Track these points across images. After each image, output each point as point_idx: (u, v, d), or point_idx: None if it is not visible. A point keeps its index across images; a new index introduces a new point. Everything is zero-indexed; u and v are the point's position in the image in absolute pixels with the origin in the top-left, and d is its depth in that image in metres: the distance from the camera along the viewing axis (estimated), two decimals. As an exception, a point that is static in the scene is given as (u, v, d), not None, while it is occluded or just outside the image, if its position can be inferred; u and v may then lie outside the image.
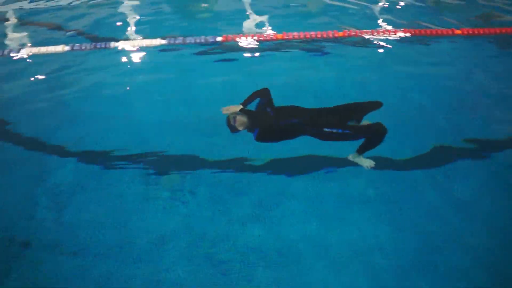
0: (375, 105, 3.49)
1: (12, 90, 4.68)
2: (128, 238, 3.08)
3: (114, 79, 4.85)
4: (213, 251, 2.99)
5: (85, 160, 3.70)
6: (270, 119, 3.42)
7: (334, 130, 3.26)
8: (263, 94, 3.63)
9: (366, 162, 3.45)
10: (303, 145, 3.62)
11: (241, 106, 3.59)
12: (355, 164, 3.47)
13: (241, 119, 3.36)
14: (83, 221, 3.18)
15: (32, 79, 4.88)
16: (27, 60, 5.32)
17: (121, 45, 5.53)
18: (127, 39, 5.69)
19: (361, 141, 3.39)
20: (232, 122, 3.37)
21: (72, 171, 3.58)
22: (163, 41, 5.55)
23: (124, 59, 5.32)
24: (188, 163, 3.70)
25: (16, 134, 4.00)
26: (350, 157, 3.48)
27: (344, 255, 2.95)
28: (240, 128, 3.39)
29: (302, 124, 3.36)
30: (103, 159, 3.72)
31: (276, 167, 3.64)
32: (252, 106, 3.67)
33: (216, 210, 3.28)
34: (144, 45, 5.52)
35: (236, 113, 3.41)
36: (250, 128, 3.42)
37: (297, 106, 3.53)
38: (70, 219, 3.18)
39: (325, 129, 3.28)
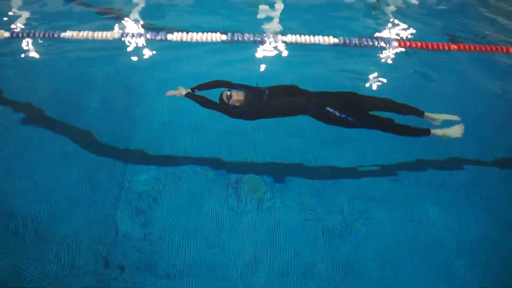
0: (390, 106, 3.36)
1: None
2: (219, 255, 3.01)
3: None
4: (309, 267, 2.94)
5: (166, 167, 3.57)
6: (262, 96, 3.29)
7: (337, 113, 3.18)
8: (226, 84, 3.48)
9: (455, 132, 3.26)
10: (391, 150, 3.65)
11: (188, 90, 3.45)
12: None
13: (237, 96, 3.29)
14: (172, 238, 3.09)
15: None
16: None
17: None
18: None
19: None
20: (226, 99, 3.29)
21: (154, 178, 3.45)
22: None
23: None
24: (272, 168, 3.61)
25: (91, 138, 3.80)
26: (439, 134, 3.27)
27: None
28: (237, 105, 3.31)
29: (303, 102, 3.25)
30: (184, 165, 3.59)
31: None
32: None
33: (308, 219, 3.22)
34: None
35: (231, 90, 3.32)
36: (245, 105, 3.32)
37: (295, 86, 3.43)
38: (158, 236, 3.09)
39: (328, 108, 3.19)
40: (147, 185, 3.37)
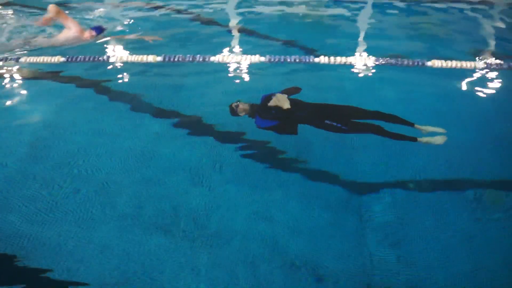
0: (375, 116, 3.87)
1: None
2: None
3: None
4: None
5: (402, 189, 3.73)
6: (271, 109, 3.81)
7: (334, 124, 3.75)
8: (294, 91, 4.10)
9: (437, 140, 3.79)
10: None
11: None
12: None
13: (243, 106, 3.94)
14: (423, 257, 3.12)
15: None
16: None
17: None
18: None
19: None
20: (234, 108, 3.94)
21: (389, 205, 3.56)
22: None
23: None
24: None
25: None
26: (424, 141, 3.78)
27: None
28: (241, 114, 3.97)
29: (308, 116, 3.83)
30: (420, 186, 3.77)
31: None
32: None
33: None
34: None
35: (238, 101, 3.96)
36: (250, 114, 3.96)
37: (300, 101, 3.95)
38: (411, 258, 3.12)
39: (327, 121, 3.78)
40: (387, 213, 3.49)
